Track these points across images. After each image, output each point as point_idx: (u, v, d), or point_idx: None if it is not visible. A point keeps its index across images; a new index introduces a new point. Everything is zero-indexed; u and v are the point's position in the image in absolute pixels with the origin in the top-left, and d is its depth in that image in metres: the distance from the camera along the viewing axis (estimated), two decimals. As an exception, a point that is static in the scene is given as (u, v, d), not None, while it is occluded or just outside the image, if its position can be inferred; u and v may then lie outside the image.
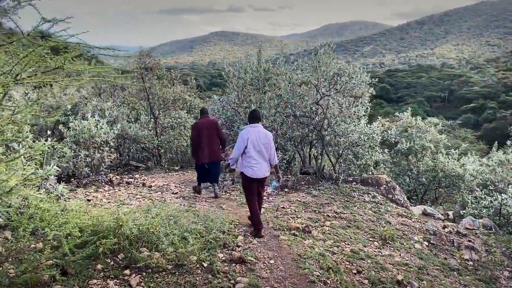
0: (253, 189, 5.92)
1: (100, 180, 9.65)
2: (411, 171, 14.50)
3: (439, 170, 13.17)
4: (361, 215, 7.71)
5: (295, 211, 7.32)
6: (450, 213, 12.04)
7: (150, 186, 9.72)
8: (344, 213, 7.58)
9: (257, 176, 5.75)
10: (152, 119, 12.71)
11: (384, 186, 9.52)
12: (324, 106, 8.68)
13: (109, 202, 7.52)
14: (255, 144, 5.71)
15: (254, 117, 5.93)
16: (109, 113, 12.55)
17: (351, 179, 9.68)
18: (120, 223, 4.13)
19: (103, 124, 9.96)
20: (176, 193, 8.86)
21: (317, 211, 7.48)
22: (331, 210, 7.68)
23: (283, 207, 7.51)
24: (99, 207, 7.09)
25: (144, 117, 12.43)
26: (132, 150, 12.84)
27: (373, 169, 10.47)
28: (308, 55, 9.43)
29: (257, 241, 5.52)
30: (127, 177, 11.53)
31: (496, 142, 19.93)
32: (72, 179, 9.68)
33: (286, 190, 8.89)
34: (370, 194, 9.05)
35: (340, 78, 8.24)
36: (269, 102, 9.55)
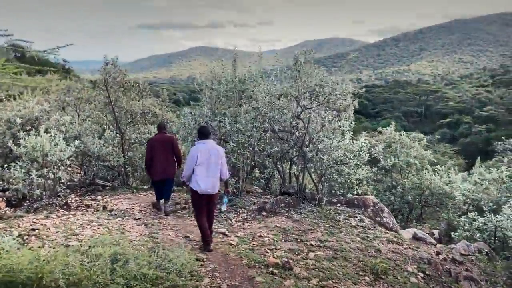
0: (201, 204, 5.94)
1: (54, 204, 8.52)
2: (396, 188, 13.80)
3: (425, 188, 12.51)
4: (348, 242, 6.83)
5: (274, 240, 6.38)
6: (436, 232, 11.31)
7: (111, 210, 8.63)
8: (329, 241, 6.69)
9: (205, 192, 5.78)
10: (118, 135, 11.63)
11: (371, 208, 8.69)
12: (305, 120, 7.83)
13: (57, 232, 6.42)
14: (204, 160, 5.77)
15: (203, 133, 6.00)
16: (69, 128, 11.44)
17: (335, 200, 8.83)
18: (42, 273, 3.12)
19: (59, 140, 8.86)
20: (139, 218, 7.80)
21: (299, 240, 6.55)
22: (314, 237, 6.78)
23: (260, 236, 6.56)
24: (43, 238, 6.00)
25: (109, 132, 11.32)
26: (95, 168, 11.70)
27: (357, 187, 9.64)
28: (287, 71, 8.61)
29: (227, 286, 4.54)
30: (88, 198, 10.39)
31: (478, 157, 19.56)
32: (24, 202, 8.54)
33: (264, 213, 7.94)
34: (357, 217, 8.20)
35: (323, 89, 7.42)
36: (245, 116, 8.67)
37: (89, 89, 14.86)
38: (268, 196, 10.28)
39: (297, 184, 8.62)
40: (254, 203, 8.87)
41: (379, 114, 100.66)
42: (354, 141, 7.80)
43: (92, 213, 8.30)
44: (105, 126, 11.47)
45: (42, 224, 6.93)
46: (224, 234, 6.53)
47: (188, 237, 6.32)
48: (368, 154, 7.63)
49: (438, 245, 8.43)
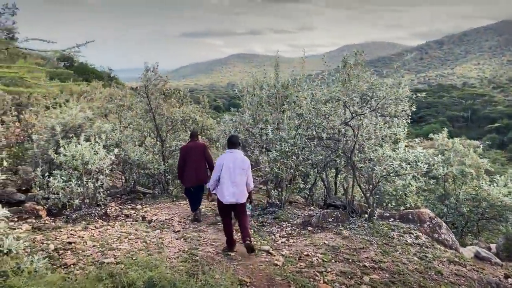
0: (226, 213, 6.03)
1: (93, 214, 8.33)
2: (449, 199, 12.82)
3: (481, 199, 11.49)
4: (405, 263, 6.13)
5: (323, 260, 5.79)
6: (493, 246, 10.32)
7: (150, 221, 8.35)
8: (384, 262, 6.02)
9: (227, 201, 5.77)
10: (158, 142, 11.41)
11: (428, 223, 7.92)
12: (355, 127, 7.21)
13: (93, 246, 6.14)
14: (229, 170, 5.77)
15: (232, 143, 6.02)
16: (110, 136, 11.34)
17: (388, 214, 8.11)
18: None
19: (98, 148, 8.68)
20: (178, 231, 7.44)
21: (350, 260, 5.93)
22: (368, 257, 6.13)
23: (307, 255, 5.99)
24: (78, 253, 5.72)
25: (149, 139, 11.12)
26: (136, 176, 11.53)
27: (410, 200, 8.87)
28: (335, 74, 8.00)
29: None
30: (128, 207, 10.22)
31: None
32: (64, 211, 8.41)
33: (309, 228, 7.37)
34: (413, 233, 7.46)
35: (376, 93, 6.77)
36: (288, 123, 8.15)
37: (131, 96, 14.85)
38: (312, 208, 9.70)
39: (345, 196, 7.98)
40: (298, 216, 8.32)
41: (423, 119, 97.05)
42: (410, 151, 7.09)
43: (131, 224, 8.04)
44: (145, 134, 11.28)
45: (79, 237, 6.69)
46: (268, 252, 6.02)
47: (230, 255, 5.86)
48: (427, 165, 6.89)
49: (504, 265, 7.57)
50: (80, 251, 5.81)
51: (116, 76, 54.18)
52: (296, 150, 7.93)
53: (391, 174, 7.21)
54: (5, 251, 3.59)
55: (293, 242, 6.63)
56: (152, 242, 6.51)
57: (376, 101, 6.82)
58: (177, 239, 6.82)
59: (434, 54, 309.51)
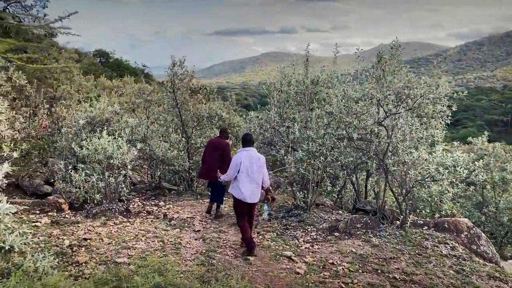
0: (243, 211, 5.93)
1: (113, 209, 8.16)
2: (488, 208, 12.04)
3: (523, 209, 10.74)
4: (440, 277, 5.61)
5: (350, 270, 5.35)
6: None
7: (171, 219, 8.11)
8: (416, 274, 5.52)
9: (246, 199, 5.75)
10: (184, 138, 11.20)
11: (466, 233, 7.31)
12: (389, 128, 6.70)
13: (109, 244, 5.93)
14: (247, 168, 5.76)
15: (247, 141, 6.02)
16: (136, 131, 11.22)
17: (421, 222, 7.55)
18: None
19: (122, 143, 8.51)
20: (198, 231, 7.15)
21: (379, 271, 5.46)
22: (398, 268, 5.64)
23: (332, 263, 5.56)
24: (92, 251, 5.51)
25: (174, 135, 10.91)
26: (160, 172, 11.36)
27: (446, 207, 8.26)
28: (369, 69, 7.48)
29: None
30: (152, 203, 10.05)
31: None
32: (86, 205, 8.28)
33: (336, 234, 6.92)
34: (448, 244, 6.88)
35: (413, 91, 6.24)
36: (317, 121, 7.72)
37: (160, 92, 14.76)
38: (340, 212, 9.22)
39: (376, 201, 7.48)
40: (325, 220, 7.87)
41: (459, 122, 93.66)
42: (448, 154, 6.51)
43: (152, 221, 7.82)
44: (170, 129, 11.08)
45: (96, 233, 6.51)
46: (290, 258, 5.63)
47: (249, 259, 5.50)
48: (467, 170, 6.30)
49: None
50: (95, 249, 5.60)
51: (150, 73, 54.81)
52: (325, 151, 7.48)
53: (426, 179, 6.66)
54: (7, 248, 3.36)
55: (318, 248, 6.21)
56: (170, 241, 6.24)
57: (412, 100, 6.28)
58: (196, 239, 6.53)
59: (473, 56, 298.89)
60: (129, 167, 8.39)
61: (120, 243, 5.98)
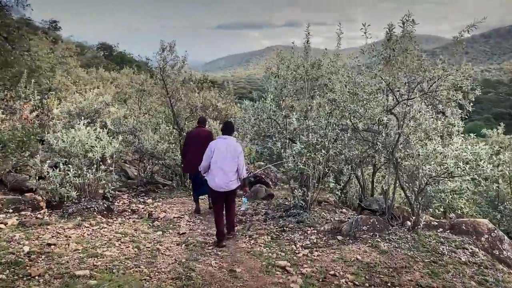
0: (217, 200, 5.93)
1: (92, 208, 7.36)
2: (503, 204, 11.17)
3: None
4: (460, 291, 4.75)
5: (354, 284, 4.50)
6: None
7: (156, 219, 7.32)
8: (432, 287, 4.67)
9: (219, 188, 5.73)
10: (176, 130, 10.36)
11: (486, 236, 6.42)
12: (400, 116, 5.81)
13: (75, 251, 5.11)
14: (221, 155, 5.72)
15: (226, 129, 6.02)
16: (123, 122, 10.41)
17: (436, 223, 6.67)
18: None
19: (103, 135, 7.70)
20: (183, 233, 6.35)
21: (389, 284, 4.62)
22: (411, 280, 4.79)
23: (333, 274, 4.71)
24: (53, 259, 4.70)
25: (164, 127, 10.07)
26: (152, 166, 10.56)
27: (462, 206, 7.39)
28: (378, 48, 6.56)
29: None
30: (140, 200, 9.28)
31: None
32: (66, 203, 7.49)
33: (339, 237, 6.07)
34: (467, 249, 6.00)
35: (429, 73, 5.33)
36: (318, 110, 6.86)
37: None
38: (344, 211, 8.37)
39: (384, 199, 6.62)
40: (327, 220, 7.03)
41: (466, 116, 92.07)
42: (469, 147, 5.61)
43: (133, 222, 7.03)
44: (160, 120, 10.25)
45: (65, 236, 5.71)
46: (284, 269, 4.78)
47: (235, 271, 4.66)
48: (492, 165, 5.39)
49: None
50: (56, 257, 4.79)
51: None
52: (326, 143, 6.62)
53: (443, 175, 5.78)
54: None
55: (318, 255, 5.36)
56: (147, 248, 5.43)
57: (429, 83, 5.38)
58: (178, 244, 5.71)
59: (480, 48, 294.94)
60: (109, 161, 7.56)
61: (89, 249, 5.17)
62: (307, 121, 6.64)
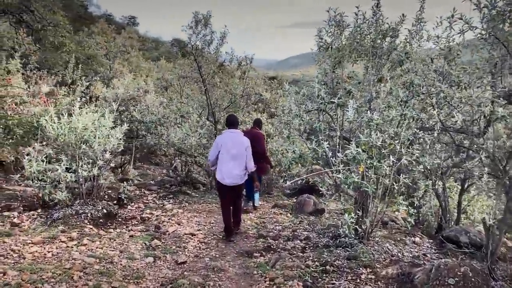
0: (224, 194, 5.73)
1: (85, 214, 5.79)
2: None
3: None
4: None
5: None
6: None
7: (163, 234, 5.62)
8: None
9: (225, 182, 5.56)
10: (210, 122, 8.61)
11: None
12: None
13: (6, 285, 3.47)
14: (228, 149, 5.56)
15: (230, 122, 5.81)
16: (152, 111, 8.87)
17: None
18: None
19: (103, 126, 6.11)
20: (182, 263, 4.53)
21: None
22: None
23: None
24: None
25: (195, 117, 8.32)
26: (178, 163, 8.94)
27: None
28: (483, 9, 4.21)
29: None
30: (161, 204, 7.69)
31: None
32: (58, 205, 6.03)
33: (411, 295, 3.88)
34: None
35: None
36: (387, 98, 4.69)
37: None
38: (417, 240, 6.06)
39: (486, 236, 4.31)
40: (392, 257, 4.84)
41: None
42: None
43: (130, 237, 5.36)
44: (190, 109, 8.54)
45: (19, 256, 4.13)
46: None
47: None
48: None
49: None
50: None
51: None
52: (398, 146, 4.44)
53: None
54: None
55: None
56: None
57: None
58: (161, 285, 3.88)
59: None
60: (107, 155, 5.92)
61: (27, 281, 3.50)
62: (369, 112, 4.49)
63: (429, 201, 7.73)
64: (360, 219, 4.88)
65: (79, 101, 11.84)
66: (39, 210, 6.24)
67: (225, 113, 8.77)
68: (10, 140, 7.71)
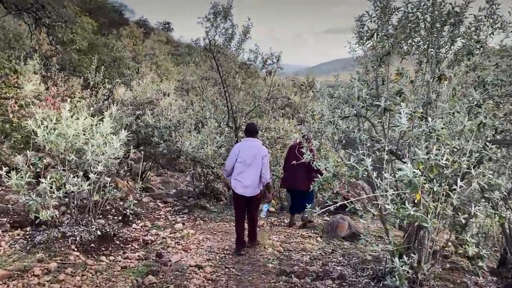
0: (240, 204, 5.52)
1: (73, 237, 4.85)
2: None
3: None
4: None
5: None
6: None
7: (163, 265, 4.62)
8: None
9: (240, 191, 5.41)
10: (230, 129, 7.59)
11: None
12: None
13: None
14: (245, 159, 5.40)
15: (249, 131, 5.63)
16: (166, 115, 7.96)
17: None
18: None
19: (102, 130, 5.18)
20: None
21: None
22: None
23: None
24: None
25: (212, 123, 7.31)
26: (194, 173, 7.98)
27: None
28: None
29: None
30: (173, 221, 6.76)
31: None
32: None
33: None
34: None
35: None
36: (452, 101, 3.52)
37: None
38: (480, 280, 4.80)
39: None
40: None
41: None
42: None
43: (121, 269, 4.38)
44: (207, 113, 7.54)
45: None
46: None
47: None
48: None
49: None
50: None
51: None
52: (465, 165, 3.25)
53: None
54: None
55: None
56: None
57: None
58: None
59: None
60: (100, 167, 4.96)
61: None
62: (428, 119, 3.32)
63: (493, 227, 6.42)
64: (412, 260, 3.69)
65: (101, 104, 11.09)
66: (28, 229, 5.40)
67: (247, 118, 7.72)
68: (7, 144, 6.99)
